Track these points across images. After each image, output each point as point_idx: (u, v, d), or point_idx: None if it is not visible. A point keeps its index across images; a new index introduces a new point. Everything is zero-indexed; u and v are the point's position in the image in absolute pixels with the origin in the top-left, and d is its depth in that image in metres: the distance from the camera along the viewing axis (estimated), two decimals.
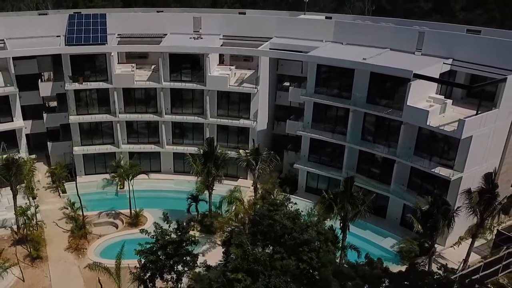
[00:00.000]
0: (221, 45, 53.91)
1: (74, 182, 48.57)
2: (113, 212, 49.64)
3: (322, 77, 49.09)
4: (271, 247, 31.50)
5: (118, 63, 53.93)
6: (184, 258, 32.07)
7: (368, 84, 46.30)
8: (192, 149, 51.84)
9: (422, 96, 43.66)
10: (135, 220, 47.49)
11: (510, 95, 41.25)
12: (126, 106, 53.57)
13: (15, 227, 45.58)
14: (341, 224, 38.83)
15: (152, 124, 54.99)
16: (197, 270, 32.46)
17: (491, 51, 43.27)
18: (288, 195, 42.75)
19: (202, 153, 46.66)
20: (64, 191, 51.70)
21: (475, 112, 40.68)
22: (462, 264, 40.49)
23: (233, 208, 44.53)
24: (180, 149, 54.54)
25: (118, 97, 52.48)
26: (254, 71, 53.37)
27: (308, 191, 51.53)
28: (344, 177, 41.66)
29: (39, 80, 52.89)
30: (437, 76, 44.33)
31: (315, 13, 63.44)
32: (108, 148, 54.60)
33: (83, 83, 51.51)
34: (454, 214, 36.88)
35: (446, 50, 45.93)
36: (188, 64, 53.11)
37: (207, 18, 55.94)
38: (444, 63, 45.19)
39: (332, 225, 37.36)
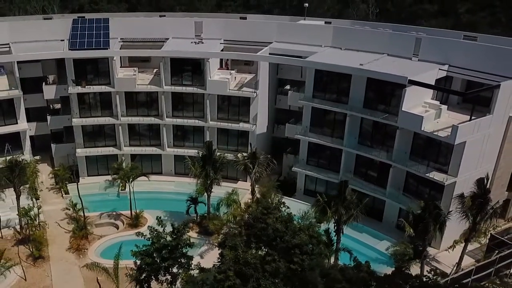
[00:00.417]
0: (222, 50, 54.69)
1: (76, 183, 49.40)
2: (114, 213, 50.50)
3: (320, 82, 49.72)
4: (264, 250, 32.20)
5: (121, 66, 54.81)
6: (179, 260, 32.72)
7: (365, 90, 46.98)
8: (193, 152, 52.43)
9: (418, 102, 44.21)
10: (135, 221, 48.35)
11: (504, 101, 41.76)
12: (128, 109, 54.38)
13: (18, 227, 46.53)
14: (335, 227, 39.52)
15: (153, 127, 55.82)
16: (191, 272, 33.11)
17: (487, 57, 43.72)
18: (282, 197, 43.23)
19: (200, 156, 47.36)
20: (66, 192, 52.61)
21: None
22: (455, 268, 41.03)
23: (231, 210, 45.35)
24: (181, 151, 55.36)
25: (120, 100, 53.34)
26: (254, 75, 54.04)
27: (306, 194, 52.01)
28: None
29: (44, 83, 53.90)
30: (433, 82, 44.78)
31: (316, 18, 64.03)
32: (110, 150, 55.50)
33: (86, 86, 52.47)
34: (446, 218, 37.44)
35: (442, 56, 46.43)
36: (189, 68, 53.88)
37: (208, 23, 56.79)
38: (440, 69, 45.67)
39: (328, 228, 38.14)
